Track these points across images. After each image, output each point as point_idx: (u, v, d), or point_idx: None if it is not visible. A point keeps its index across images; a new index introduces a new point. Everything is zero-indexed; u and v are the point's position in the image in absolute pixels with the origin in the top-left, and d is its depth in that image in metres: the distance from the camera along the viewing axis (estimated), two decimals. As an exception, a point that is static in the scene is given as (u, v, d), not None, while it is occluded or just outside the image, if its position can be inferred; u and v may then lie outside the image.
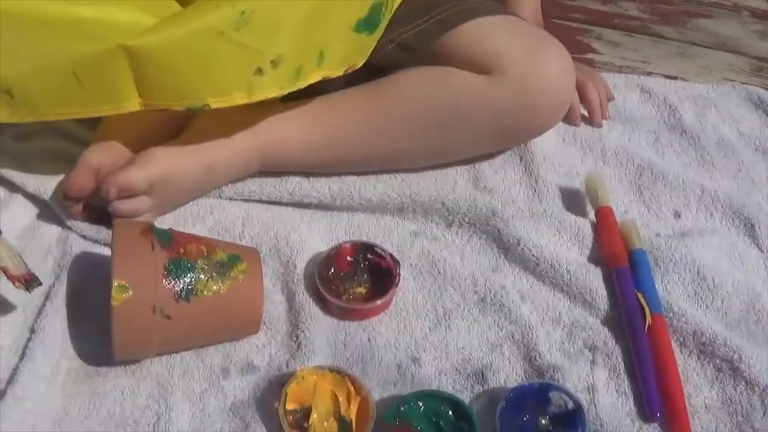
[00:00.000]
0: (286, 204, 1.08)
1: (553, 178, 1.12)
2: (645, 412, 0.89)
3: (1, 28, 0.88)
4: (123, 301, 0.85)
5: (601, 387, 0.91)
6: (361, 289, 1.00)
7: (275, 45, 0.92)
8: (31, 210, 1.05)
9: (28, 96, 0.93)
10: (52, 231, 1.03)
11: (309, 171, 1.09)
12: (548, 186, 1.10)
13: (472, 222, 1.05)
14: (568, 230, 1.04)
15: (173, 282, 0.88)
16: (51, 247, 1.01)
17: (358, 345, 0.95)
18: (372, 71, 1.06)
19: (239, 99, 0.94)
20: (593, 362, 0.94)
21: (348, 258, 1.01)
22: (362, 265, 1.01)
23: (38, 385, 0.88)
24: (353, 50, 1.00)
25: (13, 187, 1.06)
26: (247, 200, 1.08)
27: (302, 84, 0.97)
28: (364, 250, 1.01)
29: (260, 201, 1.08)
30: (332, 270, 1.00)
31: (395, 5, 1.04)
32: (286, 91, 0.96)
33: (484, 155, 1.12)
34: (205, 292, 0.89)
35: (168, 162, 1.01)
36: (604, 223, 1.04)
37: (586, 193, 1.09)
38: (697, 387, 0.92)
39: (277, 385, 0.90)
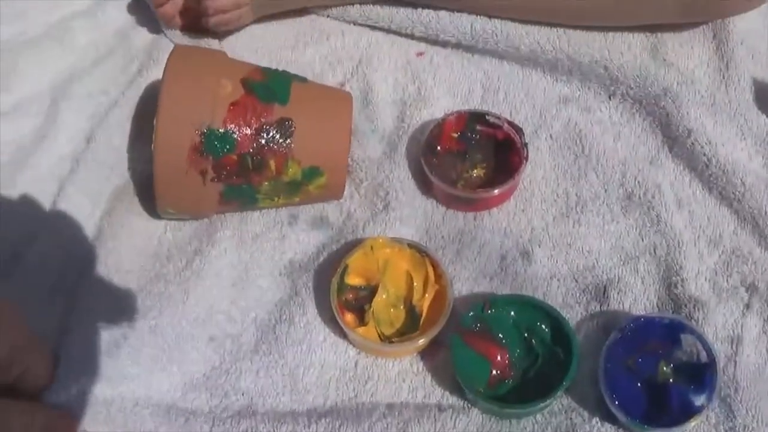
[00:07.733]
0: (418, 38, 0.94)
1: (749, 67, 0.91)
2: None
3: None
4: None
5: (748, 341, 0.75)
6: (479, 171, 0.83)
7: None
8: (127, 11, 0.99)
9: None
10: (145, 35, 0.97)
11: None
12: (740, 74, 0.90)
13: (638, 98, 0.88)
14: (754, 133, 0.85)
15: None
16: (138, 53, 0.95)
17: (459, 222, 0.82)
18: None
19: None
20: (747, 306, 0.77)
21: (453, 134, 0.85)
22: (473, 142, 0.85)
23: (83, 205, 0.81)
24: None
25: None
26: (373, 27, 0.96)
27: None
28: (473, 120, 0.85)
29: (388, 30, 0.95)
30: (437, 152, 0.84)
31: None
32: None
33: (670, 25, 0.93)
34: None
35: None
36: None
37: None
38: None
39: (347, 251, 0.78)
